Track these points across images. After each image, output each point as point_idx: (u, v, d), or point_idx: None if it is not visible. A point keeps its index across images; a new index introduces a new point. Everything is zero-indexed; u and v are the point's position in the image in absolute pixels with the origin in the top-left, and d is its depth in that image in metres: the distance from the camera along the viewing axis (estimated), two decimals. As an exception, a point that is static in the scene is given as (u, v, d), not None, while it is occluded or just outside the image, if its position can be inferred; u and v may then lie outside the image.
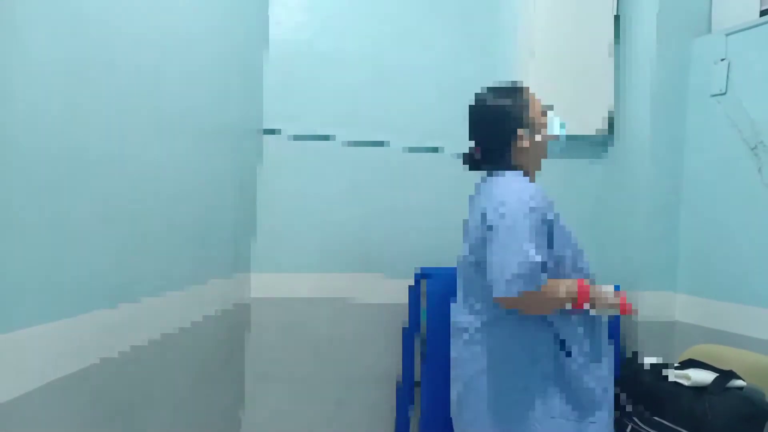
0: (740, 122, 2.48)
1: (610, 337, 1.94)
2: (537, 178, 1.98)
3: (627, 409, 2.21)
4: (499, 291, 1.72)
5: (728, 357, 2.31)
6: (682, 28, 2.75)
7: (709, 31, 2.74)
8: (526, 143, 1.90)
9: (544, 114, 1.97)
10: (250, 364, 2.73)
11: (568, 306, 1.77)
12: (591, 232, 2.71)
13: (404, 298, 2.75)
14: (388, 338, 2.81)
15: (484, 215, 1.83)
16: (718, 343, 2.45)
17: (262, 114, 2.74)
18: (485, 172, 1.99)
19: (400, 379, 2.77)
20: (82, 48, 1.35)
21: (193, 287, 2.04)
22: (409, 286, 2.74)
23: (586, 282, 1.82)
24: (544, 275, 1.72)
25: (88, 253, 1.41)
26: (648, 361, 2.33)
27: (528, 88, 1.97)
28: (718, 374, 2.14)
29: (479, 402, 1.85)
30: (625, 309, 1.81)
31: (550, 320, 1.80)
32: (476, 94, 1.98)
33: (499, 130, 1.93)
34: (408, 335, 2.74)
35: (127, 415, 1.62)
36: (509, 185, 1.85)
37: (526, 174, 1.94)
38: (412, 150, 2.84)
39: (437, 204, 2.82)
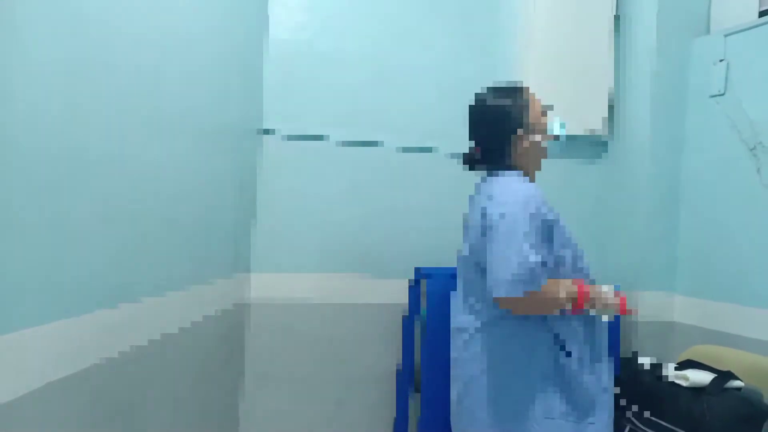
0: (739, 123, 2.48)
1: (609, 337, 1.94)
2: (537, 179, 1.99)
3: (625, 410, 2.21)
4: (498, 292, 1.72)
5: (726, 358, 2.32)
6: (682, 29, 2.75)
7: (708, 31, 2.74)
8: (525, 144, 1.90)
9: (544, 114, 1.96)
10: (250, 364, 2.73)
11: (568, 307, 1.77)
12: (590, 233, 2.71)
13: (403, 298, 2.75)
14: (387, 338, 2.81)
15: (483, 215, 1.83)
16: (717, 344, 2.46)
17: (262, 114, 2.74)
18: (485, 172, 1.98)
19: (399, 379, 2.77)
20: (81, 48, 1.35)
21: (192, 287, 2.04)
22: (409, 287, 2.74)
23: (585, 283, 1.82)
24: (543, 276, 1.72)
25: (88, 253, 1.41)
26: (643, 361, 2.34)
27: (528, 89, 1.97)
28: (716, 375, 2.14)
29: (478, 402, 1.85)
30: (625, 309, 1.81)
31: (549, 321, 1.80)
32: (476, 94, 1.98)
33: (498, 130, 1.93)
34: (407, 335, 2.74)
35: (127, 415, 1.62)
36: (508, 186, 1.84)
37: (525, 174, 1.94)
38: (411, 150, 2.84)
39: (437, 204, 2.82)
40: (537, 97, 1.98)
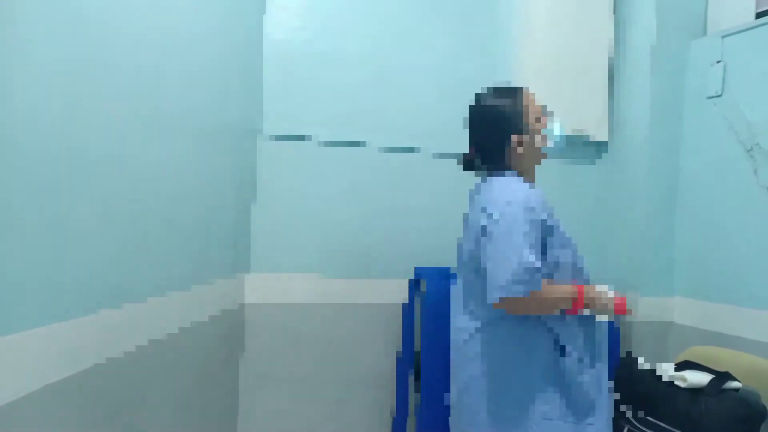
0: (736, 124, 2.49)
1: (608, 338, 1.94)
2: (535, 180, 1.99)
3: (623, 411, 2.22)
4: (496, 294, 1.71)
5: (724, 359, 2.32)
6: (679, 30, 2.76)
7: (705, 33, 2.75)
8: (522, 146, 1.90)
9: (543, 117, 1.96)
10: (248, 364, 2.73)
11: (566, 307, 1.77)
12: (588, 234, 2.72)
13: (402, 299, 2.75)
14: (386, 339, 2.81)
15: (481, 217, 1.82)
16: (715, 345, 2.46)
17: (262, 114, 2.74)
18: (484, 173, 1.98)
19: (397, 381, 2.77)
20: (81, 49, 1.35)
21: (192, 287, 2.04)
22: (407, 287, 2.74)
23: (583, 284, 1.82)
24: (540, 278, 1.72)
25: (88, 253, 1.41)
26: (645, 364, 2.34)
27: (527, 90, 1.96)
28: (714, 376, 2.15)
29: (477, 404, 1.85)
30: (623, 309, 1.81)
31: (548, 322, 1.80)
32: (476, 95, 1.98)
33: (495, 131, 1.92)
34: (405, 335, 2.74)
35: (127, 415, 1.62)
36: (507, 187, 1.84)
37: (523, 175, 1.94)
38: (410, 150, 2.84)
39: (436, 204, 2.82)
40: (536, 98, 1.98)
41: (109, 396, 1.52)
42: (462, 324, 1.93)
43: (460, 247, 1.98)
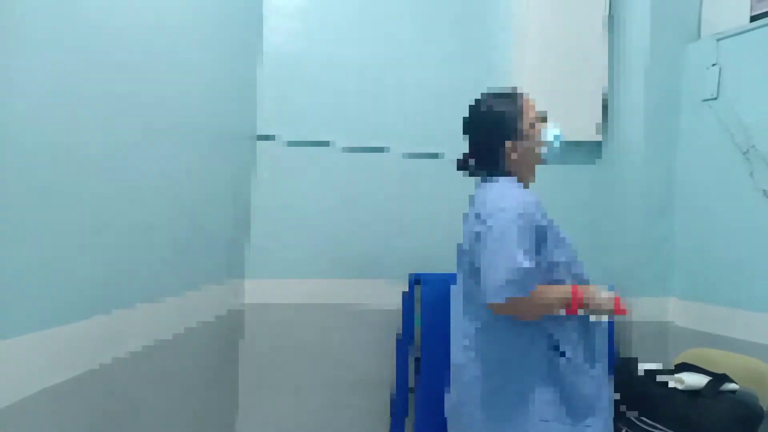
0: (732, 127, 2.50)
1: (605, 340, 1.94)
2: (531, 184, 1.99)
3: (621, 413, 2.22)
4: (491, 297, 1.72)
5: (722, 361, 2.32)
6: (674, 34, 2.77)
7: (699, 36, 2.76)
8: (518, 151, 1.91)
9: (539, 122, 1.96)
10: (244, 370, 2.73)
11: (562, 311, 1.77)
12: (584, 237, 2.71)
13: (398, 304, 2.76)
14: (382, 344, 2.81)
15: (477, 221, 1.84)
16: (712, 347, 2.46)
17: (257, 120, 2.74)
18: (482, 175, 1.99)
19: (394, 385, 2.76)
20: (78, 56, 1.35)
21: (187, 293, 2.04)
22: (403, 292, 2.74)
23: (580, 286, 1.82)
24: (533, 280, 1.72)
25: (82, 259, 1.41)
26: (642, 366, 2.34)
27: (523, 95, 1.97)
28: (711, 378, 2.15)
29: (475, 406, 1.85)
30: (620, 309, 1.81)
31: (544, 325, 1.80)
32: (476, 99, 1.99)
33: (491, 135, 1.93)
34: (402, 340, 2.74)
35: (122, 421, 1.62)
36: (502, 191, 1.85)
37: (520, 180, 1.94)
38: (407, 156, 2.84)
39: (432, 209, 2.82)
40: (534, 103, 1.98)
41: (105, 401, 1.52)
42: (461, 326, 1.93)
43: (459, 249, 1.99)
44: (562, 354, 1.80)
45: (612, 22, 2.91)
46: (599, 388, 1.84)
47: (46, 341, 1.27)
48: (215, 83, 2.27)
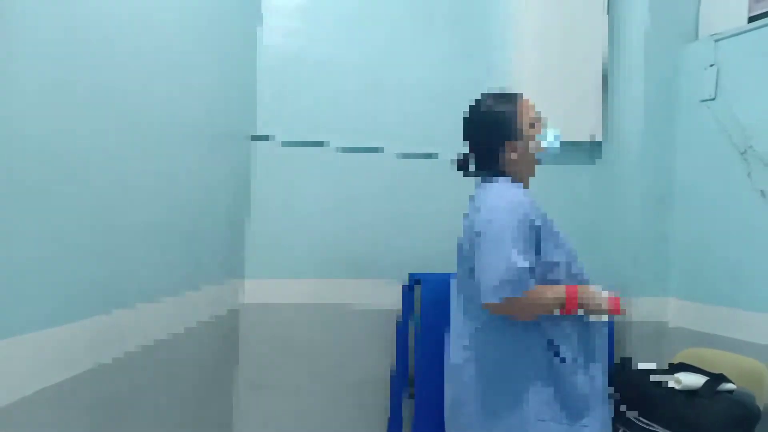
0: (730, 127, 2.50)
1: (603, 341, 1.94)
2: (530, 183, 2.00)
3: (618, 413, 2.22)
4: (486, 297, 1.74)
5: (719, 360, 2.33)
6: (673, 34, 2.77)
7: (696, 37, 2.76)
8: (515, 152, 1.92)
9: (538, 123, 1.97)
10: (242, 370, 2.73)
11: (558, 311, 1.78)
12: (583, 237, 2.71)
13: (397, 304, 2.76)
14: (380, 344, 2.81)
15: (474, 222, 1.85)
16: (709, 347, 2.47)
17: (255, 120, 2.75)
18: (480, 178, 2.00)
19: (392, 385, 2.77)
20: (77, 57, 1.36)
21: (185, 293, 2.04)
22: (402, 292, 2.74)
23: (577, 286, 1.82)
24: (531, 281, 1.73)
25: (81, 259, 1.41)
26: (639, 366, 2.35)
27: (522, 97, 1.98)
28: (708, 378, 2.15)
29: (472, 406, 1.86)
30: (617, 309, 1.82)
31: (541, 325, 1.81)
32: (475, 99, 2.00)
33: (489, 136, 1.95)
34: (400, 341, 2.74)
35: (120, 421, 1.62)
36: (498, 192, 1.87)
37: (518, 181, 1.95)
38: (405, 156, 2.85)
39: (430, 209, 2.83)
40: (532, 103, 1.99)
41: (104, 401, 1.53)
42: (459, 326, 1.94)
43: (459, 249, 1.99)
44: (560, 354, 1.80)
45: (610, 22, 2.91)
46: (597, 388, 1.84)
47: (45, 341, 1.28)
48: (213, 83, 2.27)
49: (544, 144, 1.96)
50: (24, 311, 1.22)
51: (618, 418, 2.19)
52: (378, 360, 2.81)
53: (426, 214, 2.83)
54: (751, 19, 2.51)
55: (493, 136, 1.93)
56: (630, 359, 2.44)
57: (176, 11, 1.90)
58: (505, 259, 1.71)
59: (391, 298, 2.76)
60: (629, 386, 2.25)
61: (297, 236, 2.77)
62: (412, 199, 2.85)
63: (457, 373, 1.93)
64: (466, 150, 2.02)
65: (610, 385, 1.93)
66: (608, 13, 2.90)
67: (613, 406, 1.93)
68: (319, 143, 2.79)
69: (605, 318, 1.85)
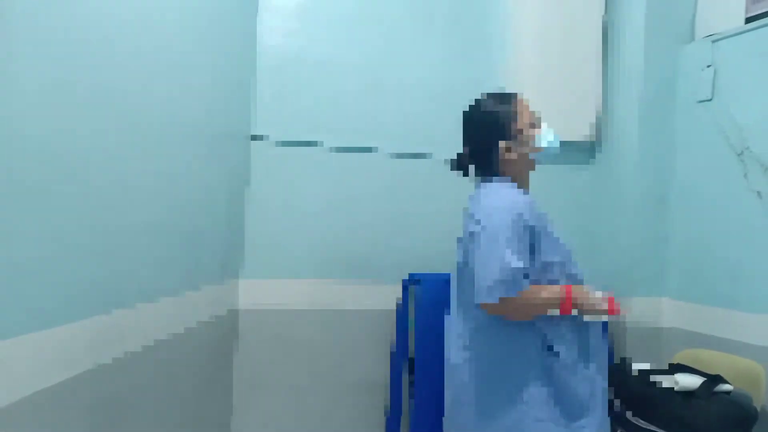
0: (727, 128, 2.50)
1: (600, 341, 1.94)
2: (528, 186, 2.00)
3: (615, 414, 2.22)
4: (481, 297, 1.75)
5: (716, 361, 2.34)
6: (670, 35, 2.78)
7: (693, 38, 2.76)
8: (511, 153, 1.92)
9: (535, 125, 1.97)
10: (240, 371, 2.72)
11: (554, 312, 1.78)
12: (579, 238, 2.71)
13: (393, 305, 2.75)
14: (377, 345, 2.80)
15: (471, 221, 1.86)
16: (706, 348, 2.47)
17: (253, 120, 2.74)
18: (479, 179, 2.00)
19: (389, 386, 2.76)
20: (75, 58, 1.35)
21: (183, 294, 2.03)
22: (398, 293, 2.74)
23: (573, 287, 1.83)
24: (525, 281, 1.73)
25: (79, 259, 1.40)
26: (636, 367, 2.35)
27: (520, 97, 1.98)
28: (705, 379, 2.16)
29: (470, 406, 1.87)
30: (614, 310, 1.82)
31: (538, 325, 1.81)
32: (475, 100, 2.00)
33: (485, 138, 1.95)
34: (397, 341, 2.74)
35: (118, 422, 1.61)
36: (495, 193, 1.88)
37: (516, 181, 1.95)
38: (404, 156, 2.84)
39: (427, 210, 2.82)
40: (530, 104, 1.99)
41: (103, 401, 1.52)
42: (457, 326, 1.95)
43: (458, 249, 1.99)
44: (557, 354, 1.81)
45: (607, 23, 2.92)
46: (594, 388, 1.85)
47: (44, 342, 1.27)
48: (212, 83, 2.26)
49: (543, 144, 1.96)
50: (23, 312, 1.21)
51: (615, 419, 2.20)
52: (376, 360, 2.80)
53: (424, 214, 2.83)
54: (748, 20, 2.51)
55: (489, 136, 1.94)
56: (627, 360, 2.44)
57: (175, 11, 1.89)
58: (498, 259, 1.72)
59: (389, 298, 2.75)
60: (627, 387, 2.26)
61: (296, 236, 2.76)
62: (410, 199, 2.84)
63: (456, 373, 1.94)
64: (465, 150, 2.02)
65: (608, 385, 1.93)
66: (606, 13, 2.90)
67: (608, 407, 1.93)
68: (317, 144, 2.78)
69: (604, 318, 1.85)
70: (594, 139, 2.93)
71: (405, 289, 2.71)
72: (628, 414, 2.23)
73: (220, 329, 2.49)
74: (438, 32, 2.89)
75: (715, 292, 2.51)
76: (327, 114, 2.78)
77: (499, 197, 1.84)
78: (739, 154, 2.45)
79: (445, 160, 2.05)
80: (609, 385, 1.95)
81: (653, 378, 2.24)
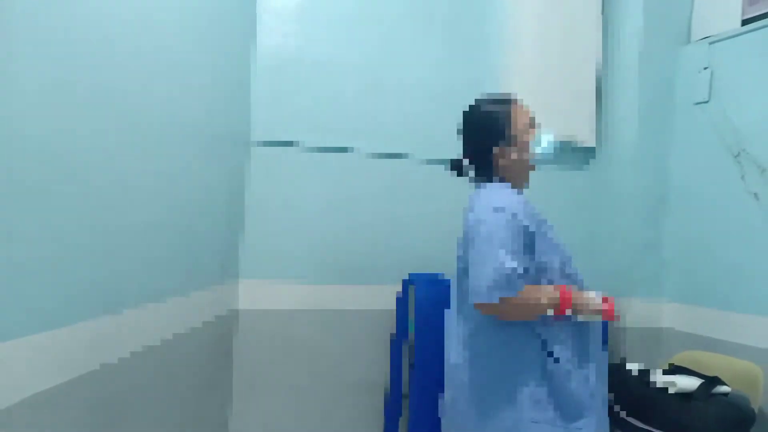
0: (723, 130, 2.51)
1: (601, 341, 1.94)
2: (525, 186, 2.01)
3: (617, 412, 2.22)
4: (476, 298, 1.75)
5: (714, 363, 2.34)
6: (667, 37, 2.78)
7: (689, 40, 2.77)
8: (506, 157, 1.93)
9: (531, 129, 1.97)
10: (239, 372, 2.72)
11: (550, 312, 1.78)
12: (577, 239, 2.72)
13: (392, 305, 2.75)
14: (376, 346, 2.80)
15: (467, 223, 1.87)
16: (704, 350, 2.48)
17: (251, 123, 2.73)
18: (476, 180, 2.00)
19: (388, 387, 2.76)
20: (73, 60, 1.35)
21: (181, 296, 2.03)
22: (397, 293, 2.74)
23: (569, 288, 1.83)
24: (520, 281, 1.73)
25: (76, 262, 1.40)
26: (631, 367, 2.35)
27: (516, 102, 1.98)
28: (703, 380, 2.16)
29: (467, 406, 1.87)
30: (612, 315, 1.82)
31: (536, 326, 1.81)
32: (475, 101, 2.01)
33: (480, 141, 1.96)
34: (396, 342, 2.74)
35: (115, 425, 1.61)
36: (491, 195, 1.88)
37: (513, 184, 1.95)
38: (400, 158, 2.84)
39: (425, 211, 2.82)
40: (526, 107, 1.99)
41: (101, 404, 1.51)
42: (457, 326, 1.95)
43: (458, 250, 2.00)
44: (554, 355, 1.81)
45: (605, 25, 2.93)
46: (591, 390, 1.84)
47: (42, 344, 1.27)
48: (210, 85, 2.26)
49: (537, 150, 1.96)
50: (20, 314, 1.20)
51: (613, 421, 2.20)
52: (374, 361, 2.80)
53: (423, 214, 2.83)
54: (744, 22, 2.52)
55: (484, 140, 1.95)
56: (625, 361, 2.44)
57: (174, 12, 1.89)
58: (493, 260, 1.72)
59: (389, 299, 2.76)
60: (625, 389, 2.25)
61: (294, 238, 2.76)
62: (409, 199, 2.84)
63: (454, 373, 1.94)
64: (464, 152, 2.02)
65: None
66: (604, 15, 2.91)
67: (606, 408, 1.93)
68: (315, 147, 2.78)
69: (598, 318, 1.85)
70: (592, 141, 2.94)
71: (404, 289, 2.72)
72: (626, 415, 2.23)
73: (220, 330, 2.48)
74: (437, 33, 2.90)
75: (713, 293, 2.52)
76: (325, 116, 2.78)
77: (494, 199, 1.85)
78: (736, 156, 2.46)
79: (450, 161, 2.05)
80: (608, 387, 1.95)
81: (651, 379, 2.24)
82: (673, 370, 2.32)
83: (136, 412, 1.73)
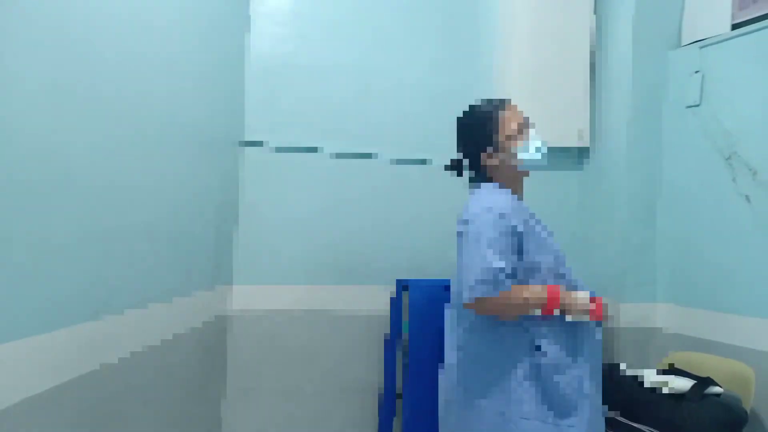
0: (715, 133, 2.53)
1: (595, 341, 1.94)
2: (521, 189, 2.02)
3: (606, 416, 2.23)
4: (465, 296, 1.78)
5: (706, 364, 2.35)
6: (658, 41, 2.80)
7: (679, 44, 2.79)
8: (494, 161, 1.96)
9: (520, 133, 1.97)
10: (232, 376, 2.71)
11: (537, 312, 1.80)
12: (570, 242, 2.73)
13: (386, 309, 2.75)
14: (370, 346, 2.81)
15: (460, 224, 1.91)
16: (696, 351, 2.49)
17: (244, 125, 2.74)
18: (470, 182, 2.03)
19: (382, 388, 2.76)
20: (67, 65, 1.35)
21: (174, 299, 2.03)
22: (391, 297, 2.74)
23: (558, 288, 1.84)
24: (508, 281, 1.75)
25: (70, 266, 1.40)
26: (627, 369, 2.36)
27: (508, 107, 2.00)
28: (696, 381, 2.17)
29: (460, 405, 1.90)
30: (596, 314, 1.83)
31: (526, 325, 1.83)
32: (469, 106, 2.04)
33: (470, 145, 2.01)
34: (389, 343, 2.74)
35: (110, 427, 1.60)
36: (482, 196, 1.92)
37: (507, 186, 1.97)
38: (395, 162, 2.85)
39: (420, 215, 2.83)
40: (519, 109, 2.01)
41: (93, 407, 1.51)
42: (452, 329, 1.96)
43: (456, 251, 2.02)
44: (545, 353, 1.82)
45: (597, 29, 2.94)
46: (584, 389, 1.85)
47: (34, 348, 1.27)
48: (203, 89, 2.26)
49: (525, 156, 1.97)
50: (12, 318, 1.20)
51: (605, 421, 2.20)
52: (367, 365, 2.80)
53: (416, 219, 2.84)
54: (734, 26, 2.54)
55: (474, 144, 1.99)
56: (617, 363, 2.45)
57: (169, 15, 1.90)
58: (481, 259, 1.76)
59: (381, 304, 2.76)
60: (617, 389, 2.26)
61: (287, 242, 2.76)
62: (402, 204, 2.85)
63: (450, 372, 1.95)
64: (458, 154, 2.05)
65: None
66: (596, 19, 2.93)
67: (599, 407, 1.94)
68: (309, 149, 2.78)
69: (586, 318, 1.86)
70: (584, 144, 2.95)
71: (398, 293, 2.72)
72: (618, 416, 2.24)
73: (211, 335, 2.48)
74: (430, 36, 2.91)
75: (706, 295, 2.53)
76: (318, 119, 2.80)
77: (483, 201, 1.88)
78: (727, 159, 2.47)
79: (450, 160, 2.07)
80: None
81: (644, 380, 2.24)
82: (666, 371, 2.33)
83: (131, 415, 1.72)
